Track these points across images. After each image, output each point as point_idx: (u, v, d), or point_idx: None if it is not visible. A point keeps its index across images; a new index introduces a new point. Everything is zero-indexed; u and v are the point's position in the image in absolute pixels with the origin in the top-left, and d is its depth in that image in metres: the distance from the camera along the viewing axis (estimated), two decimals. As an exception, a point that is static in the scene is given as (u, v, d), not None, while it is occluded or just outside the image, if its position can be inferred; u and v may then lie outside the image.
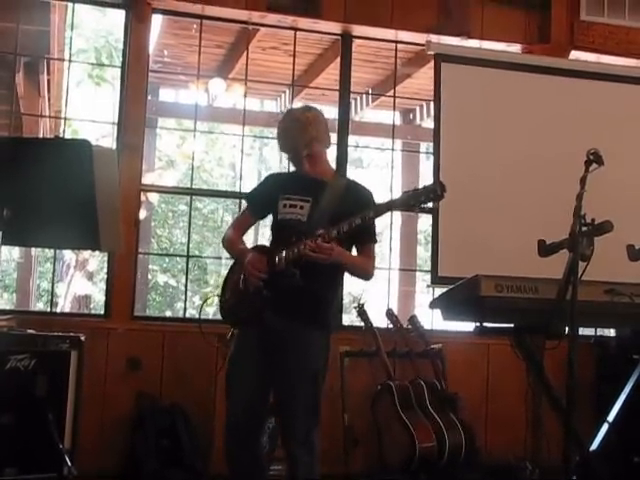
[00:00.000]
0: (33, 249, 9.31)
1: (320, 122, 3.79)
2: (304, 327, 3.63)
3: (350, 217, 3.53)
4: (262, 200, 3.88)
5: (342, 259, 3.63)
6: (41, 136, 7.56)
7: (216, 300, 4.02)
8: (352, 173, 8.86)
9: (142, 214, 7.01)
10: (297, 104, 7.77)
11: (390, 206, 3.60)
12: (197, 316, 5.48)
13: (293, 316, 3.61)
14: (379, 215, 3.61)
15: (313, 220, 3.65)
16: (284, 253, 3.60)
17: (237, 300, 3.77)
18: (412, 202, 3.50)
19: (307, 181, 3.76)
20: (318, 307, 3.70)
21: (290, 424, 3.68)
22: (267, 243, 3.89)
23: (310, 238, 3.51)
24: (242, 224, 4.02)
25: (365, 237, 3.71)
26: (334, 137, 6.20)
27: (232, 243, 3.94)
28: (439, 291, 4.58)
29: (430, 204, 3.60)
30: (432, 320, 5.97)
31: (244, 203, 4.23)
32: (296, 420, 3.65)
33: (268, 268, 3.63)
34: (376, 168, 15.87)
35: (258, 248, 3.86)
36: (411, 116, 9.62)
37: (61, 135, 6.21)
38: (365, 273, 3.85)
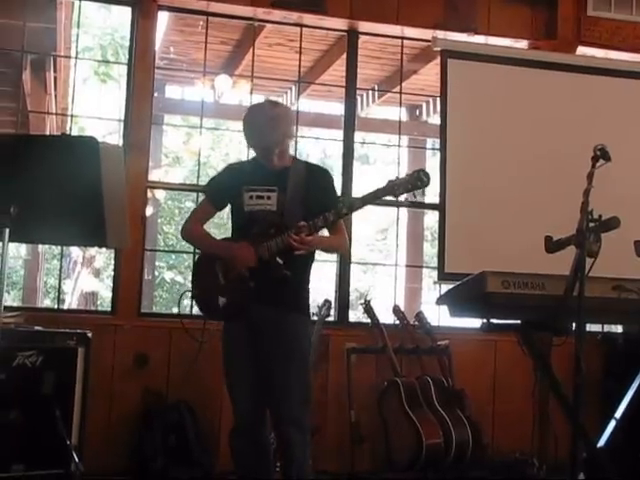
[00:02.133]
0: (40, 246, 9.32)
1: (288, 116, 3.90)
2: (289, 313, 3.73)
3: (319, 200, 3.73)
4: (224, 192, 3.90)
5: (320, 246, 3.81)
6: (48, 133, 7.56)
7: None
8: (358, 169, 8.84)
9: (148, 211, 7.01)
10: (303, 100, 7.78)
11: (377, 195, 3.71)
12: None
13: (278, 304, 3.69)
14: (367, 204, 3.74)
15: (286, 209, 3.73)
16: (267, 244, 3.66)
17: (219, 295, 3.78)
18: (400, 190, 3.66)
19: (269, 170, 3.81)
20: (299, 294, 3.82)
21: (284, 405, 3.70)
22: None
23: (294, 230, 3.60)
24: (203, 216, 4.02)
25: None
26: (340, 133, 6.22)
27: (200, 236, 3.97)
28: (446, 288, 4.57)
29: (416, 192, 3.71)
30: (439, 316, 5.97)
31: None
32: (291, 403, 3.69)
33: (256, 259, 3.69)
34: (382, 164, 15.85)
35: (233, 240, 3.85)
36: (417, 112, 9.60)
37: (68, 132, 6.22)
38: (341, 249, 4.09)
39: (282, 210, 3.74)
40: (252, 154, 3.96)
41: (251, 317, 3.70)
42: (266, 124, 3.73)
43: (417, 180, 3.66)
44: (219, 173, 4.07)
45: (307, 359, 3.80)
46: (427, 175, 3.67)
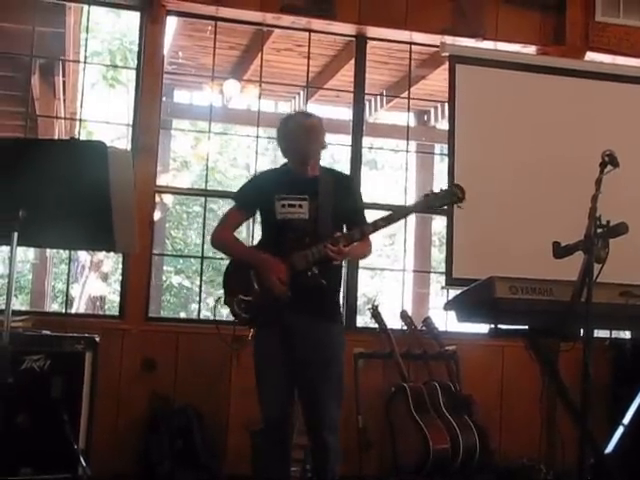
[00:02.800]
0: (48, 250, 9.34)
1: (322, 126, 3.98)
2: (325, 322, 3.83)
3: (347, 207, 3.87)
4: (254, 198, 3.96)
5: (352, 257, 4.00)
6: (56, 138, 7.59)
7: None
8: (366, 175, 8.83)
9: (156, 215, 7.02)
10: (311, 105, 7.79)
11: (413, 209, 3.99)
12: (212, 317, 5.49)
13: (314, 313, 3.76)
14: (402, 218, 3.94)
15: (319, 218, 3.80)
16: (303, 254, 3.72)
17: (253, 302, 3.81)
18: (437, 204, 3.80)
19: (299, 178, 3.89)
20: (333, 302, 3.94)
21: (323, 414, 3.79)
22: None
23: (330, 241, 3.68)
24: (234, 223, 4.06)
25: (362, 221, 3.91)
26: (349, 139, 6.22)
27: (231, 242, 4.02)
28: (453, 293, 4.57)
29: (453, 206, 3.89)
30: (446, 322, 5.96)
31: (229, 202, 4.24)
32: (329, 410, 3.79)
33: (288, 272, 3.73)
34: (390, 170, 15.85)
35: (264, 248, 3.88)
36: (425, 117, 9.60)
37: (76, 137, 6.24)
38: (366, 256, 4.12)
39: (315, 218, 3.80)
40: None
41: (285, 325, 3.76)
42: (303, 135, 3.85)
43: (453, 195, 3.80)
44: (249, 181, 4.16)
45: (342, 365, 3.89)
46: (462, 190, 3.80)
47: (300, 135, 3.85)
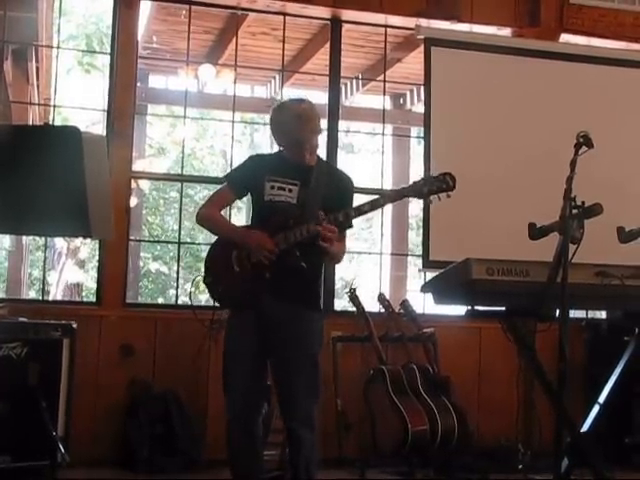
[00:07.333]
0: (24, 237, 9.28)
1: (317, 114, 3.87)
2: (304, 310, 3.74)
3: (337, 203, 3.72)
4: (245, 180, 3.90)
5: (334, 252, 3.73)
6: (30, 123, 7.52)
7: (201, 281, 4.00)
8: (343, 158, 8.83)
9: (133, 201, 6.99)
10: (287, 90, 7.78)
11: (401, 194, 3.78)
12: (189, 303, 5.48)
13: (293, 299, 3.70)
14: (388, 203, 3.85)
15: (307, 204, 3.73)
16: (285, 235, 3.66)
17: (232, 282, 3.77)
18: (425, 190, 3.66)
19: (293, 165, 3.83)
20: (314, 289, 3.84)
21: (294, 404, 3.73)
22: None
23: (314, 222, 3.60)
24: (222, 202, 4.02)
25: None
26: (324, 122, 6.21)
27: (217, 220, 3.96)
28: (430, 275, 4.58)
29: (441, 195, 3.70)
30: (424, 304, 5.98)
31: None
32: (301, 401, 3.72)
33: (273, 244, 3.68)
34: (367, 153, 15.86)
35: (251, 227, 3.86)
36: (401, 101, 9.60)
37: (50, 122, 6.19)
38: (339, 259, 3.95)
39: (303, 204, 3.74)
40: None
41: (263, 310, 3.68)
42: (295, 121, 3.76)
43: (443, 183, 3.67)
44: (242, 162, 4.08)
45: (318, 357, 3.80)
46: (453, 179, 3.67)
47: (292, 122, 3.76)
